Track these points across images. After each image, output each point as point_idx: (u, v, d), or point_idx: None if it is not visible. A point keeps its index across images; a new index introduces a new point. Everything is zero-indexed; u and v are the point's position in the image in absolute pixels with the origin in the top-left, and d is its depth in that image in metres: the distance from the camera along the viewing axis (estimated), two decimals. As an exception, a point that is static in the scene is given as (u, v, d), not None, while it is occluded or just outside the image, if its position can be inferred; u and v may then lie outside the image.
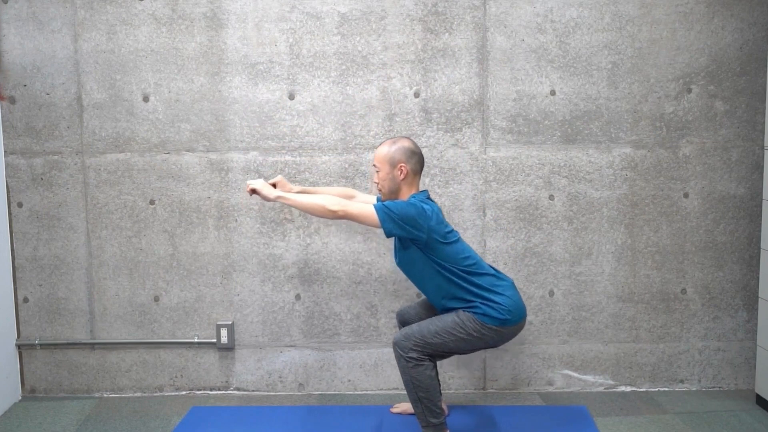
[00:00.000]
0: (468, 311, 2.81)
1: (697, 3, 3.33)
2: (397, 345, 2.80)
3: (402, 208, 2.73)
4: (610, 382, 3.54)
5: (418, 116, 3.40)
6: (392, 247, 3.44)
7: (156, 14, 3.37)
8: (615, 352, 3.53)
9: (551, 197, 3.45)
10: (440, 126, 3.41)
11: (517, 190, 3.44)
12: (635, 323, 3.51)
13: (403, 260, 2.92)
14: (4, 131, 3.44)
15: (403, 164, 2.84)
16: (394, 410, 3.31)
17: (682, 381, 3.54)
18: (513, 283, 2.91)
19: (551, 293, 3.50)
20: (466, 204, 3.44)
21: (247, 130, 3.43)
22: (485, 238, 3.46)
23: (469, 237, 3.45)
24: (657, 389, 3.54)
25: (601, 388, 3.55)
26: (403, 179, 2.86)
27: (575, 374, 3.54)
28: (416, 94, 3.39)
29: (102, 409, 3.41)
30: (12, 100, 3.42)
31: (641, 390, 3.53)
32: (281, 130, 3.43)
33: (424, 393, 2.79)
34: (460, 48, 3.36)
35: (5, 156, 3.45)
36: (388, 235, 2.76)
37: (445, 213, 3.43)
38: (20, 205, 3.48)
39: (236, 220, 3.47)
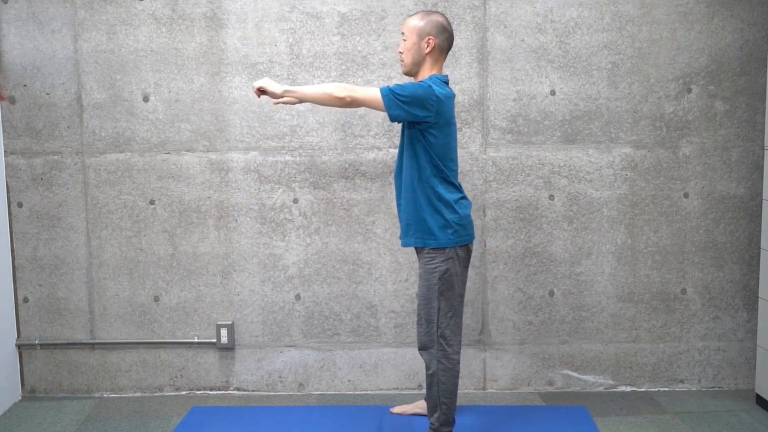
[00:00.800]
0: (425, 259, 2.80)
1: (697, 3, 3.33)
2: (422, 349, 2.85)
3: (410, 90, 2.66)
4: (610, 382, 3.54)
5: (418, 116, 3.40)
6: (392, 248, 3.45)
7: (156, 14, 3.37)
8: (615, 352, 3.53)
9: (551, 197, 3.45)
10: (440, 126, 3.41)
11: (517, 190, 3.44)
12: (635, 323, 3.51)
13: (398, 165, 2.87)
14: (4, 131, 3.44)
15: (431, 37, 2.76)
16: (394, 410, 3.30)
17: (682, 381, 3.54)
18: (469, 204, 2.88)
19: (551, 293, 3.50)
20: (466, 204, 3.44)
21: (247, 130, 3.43)
22: (485, 238, 3.46)
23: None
24: (657, 389, 3.54)
25: (601, 388, 3.55)
26: (429, 53, 2.77)
27: (575, 374, 3.54)
28: (416, 94, 3.39)
29: (102, 409, 3.41)
30: (12, 100, 3.42)
31: (641, 390, 3.53)
32: (281, 130, 3.43)
33: (446, 398, 2.83)
34: (460, 48, 3.36)
35: (5, 156, 3.45)
36: (393, 119, 2.70)
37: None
38: (20, 205, 3.48)
39: (236, 220, 3.47)
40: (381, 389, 3.57)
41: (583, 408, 3.33)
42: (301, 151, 3.44)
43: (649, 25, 3.35)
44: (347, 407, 3.40)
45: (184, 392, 3.58)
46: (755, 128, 3.40)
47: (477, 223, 3.45)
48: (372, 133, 3.42)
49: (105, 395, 3.57)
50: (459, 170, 3.42)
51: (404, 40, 2.81)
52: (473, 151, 3.42)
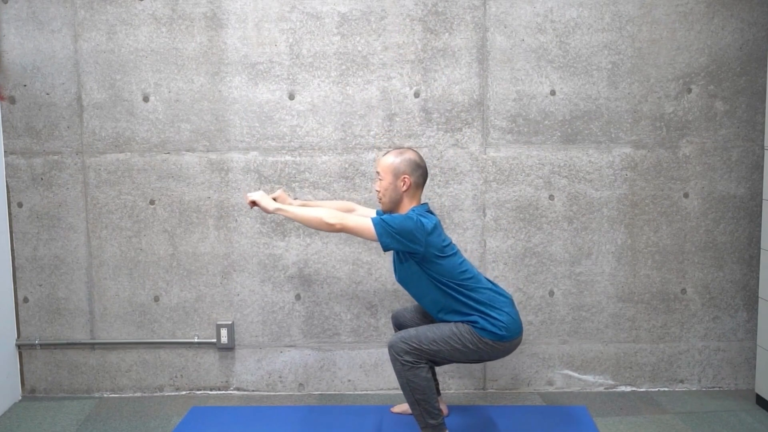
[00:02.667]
0: (466, 324, 2.81)
1: (697, 3, 3.33)
2: (392, 347, 2.80)
3: (400, 222, 2.73)
4: (610, 382, 3.54)
5: (418, 116, 3.40)
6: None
7: (156, 14, 3.37)
8: (615, 352, 3.53)
9: (551, 197, 3.45)
10: (440, 126, 3.41)
11: (517, 190, 3.44)
12: (635, 323, 3.51)
13: (401, 274, 2.93)
14: (4, 131, 3.44)
15: (407, 176, 2.83)
16: (395, 410, 3.31)
17: (682, 381, 3.54)
18: (512, 300, 2.91)
19: (551, 293, 3.50)
20: (466, 204, 3.44)
21: (247, 130, 3.43)
22: (485, 238, 3.46)
23: (469, 237, 3.45)
24: (657, 389, 3.54)
25: (601, 388, 3.55)
26: (406, 191, 2.85)
27: (575, 374, 3.54)
28: (416, 94, 3.39)
29: (102, 409, 3.41)
30: (12, 100, 3.42)
31: (641, 390, 3.53)
32: (281, 130, 3.43)
33: (420, 395, 2.79)
34: (460, 48, 3.36)
35: (5, 156, 3.45)
36: (386, 249, 2.76)
37: (445, 213, 3.43)
38: (20, 205, 3.48)
39: (236, 220, 3.47)
40: (381, 389, 3.57)
41: (583, 408, 3.33)
42: (301, 151, 3.44)
43: (649, 25, 3.35)
44: (347, 407, 3.40)
45: (184, 392, 3.58)
46: (755, 128, 3.40)
47: (477, 223, 3.45)
48: (372, 133, 3.42)
49: (105, 395, 3.57)
50: (459, 170, 3.43)
51: (380, 179, 2.87)
52: (473, 152, 3.42)
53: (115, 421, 3.28)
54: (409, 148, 2.99)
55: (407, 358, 2.77)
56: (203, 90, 3.41)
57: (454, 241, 2.97)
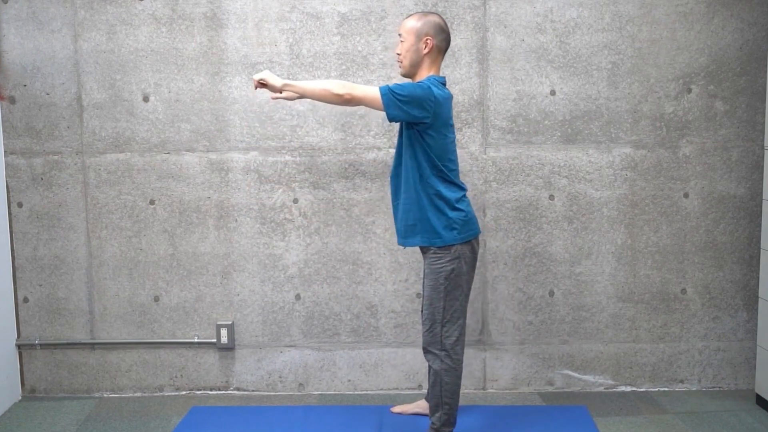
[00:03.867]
0: (431, 259, 2.80)
1: (697, 3, 3.33)
2: (426, 348, 2.84)
3: (409, 89, 2.66)
4: (610, 382, 3.54)
5: (418, 116, 3.40)
6: (392, 248, 3.45)
7: (156, 14, 3.37)
8: (615, 352, 3.52)
9: (551, 197, 3.45)
10: (440, 126, 3.41)
11: (517, 190, 3.44)
12: (635, 323, 3.50)
13: (396, 164, 2.87)
14: (4, 131, 3.44)
15: (429, 38, 2.76)
16: (395, 410, 3.30)
17: (682, 381, 3.54)
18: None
19: (551, 293, 3.50)
20: (466, 204, 3.44)
21: (247, 130, 3.43)
22: (485, 238, 3.46)
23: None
24: (657, 389, 3.53)
25: (601, 388, 3.55)
26: (427, 53, 2.78)
27: (575, 374, 3.54)
28: (416, 94, 3.39)
29: (102, 409, 3.41)
30: (12, 100, 3.42)
31: (641, 390, 3.53)
32: (281, 130, 3.43)
33: (449, 398, 2.83)
34: (460, 48, 3.36)
35: (5, 156, 3.45)
36: (391, 119, 2.69)
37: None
38: (20, 205, 3.48)
39: (236, 220, 3.47)
40: (381, 389, 3.57)
41: (583, 408, 3.33)
42: (301, 151, 3.44)
43: (649, 25, 3.35)
44: (347, 407, 3.39)
45: (184, 392, 3.58)
46: (755, 128, 3.40)
47: (477, 223, 3.45)
48: (372, 133, 3.42)
49: (105, 395, 3.57)
50: (459, 170, 3.43)
51: (402, 41, 2.81)
52: (473, 151, 3.42)
53: (115, 421, 3.28)
54: (434, 12, 2.92)
55: (438, 347, 2.80)
56: (203, 90, 3.41)
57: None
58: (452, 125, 2.82)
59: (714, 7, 3.34)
